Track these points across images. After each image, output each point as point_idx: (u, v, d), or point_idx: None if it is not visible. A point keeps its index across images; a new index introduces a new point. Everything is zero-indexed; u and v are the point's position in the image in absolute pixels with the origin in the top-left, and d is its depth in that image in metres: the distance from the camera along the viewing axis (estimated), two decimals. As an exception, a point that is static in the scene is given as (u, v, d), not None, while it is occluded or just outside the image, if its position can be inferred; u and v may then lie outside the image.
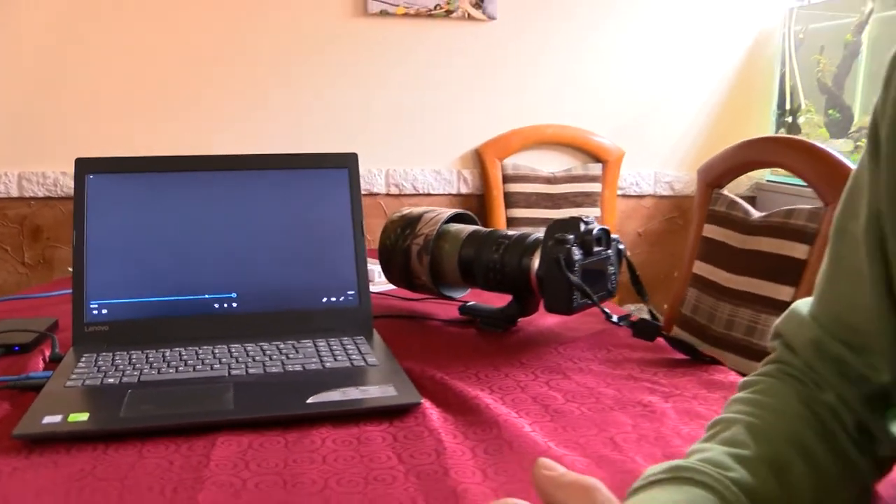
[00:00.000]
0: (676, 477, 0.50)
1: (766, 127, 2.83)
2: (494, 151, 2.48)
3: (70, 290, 1.37)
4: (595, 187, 2.57)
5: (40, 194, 2.21)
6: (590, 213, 2.55)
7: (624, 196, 2.67)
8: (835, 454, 0.57)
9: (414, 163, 2.44)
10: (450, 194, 2.49)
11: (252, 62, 2.27)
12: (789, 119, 2.79)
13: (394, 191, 2.43)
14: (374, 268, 1.43)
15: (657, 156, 2.70)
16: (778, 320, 0.67)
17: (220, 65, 2.25)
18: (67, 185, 2.20)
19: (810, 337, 0.62)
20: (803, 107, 2.74)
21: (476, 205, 2.53)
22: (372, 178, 2.39)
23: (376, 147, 2.40)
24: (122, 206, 1.08)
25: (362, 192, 2.30)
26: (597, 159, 2.59)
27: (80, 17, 2.17)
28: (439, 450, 0.73)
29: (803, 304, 0.66)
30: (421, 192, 2.45)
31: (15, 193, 2.20)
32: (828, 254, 0.63)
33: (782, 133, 2.81)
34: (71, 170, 2.20)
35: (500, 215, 2.45)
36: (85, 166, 1.09)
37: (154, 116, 2.24)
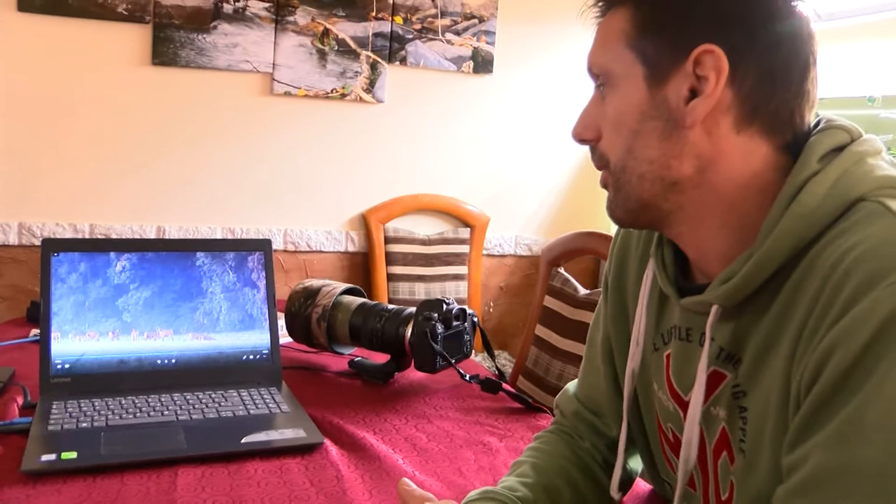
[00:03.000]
0: (484, 497, 0.80)
1: (607, 199, 3.24)
2: (378, 216, 2.75)
3: (15, 341, 1.56)
4: (464, 248, 2.89)
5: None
6: (459, 270, 2.86)
7: (489, 255, 3.00)
8: (590, 481, 0.90)
9: (308, 223, 2.68)
10: (339, 252, 2.74)
11: (175, 135, 2.46)
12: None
13: (290, 248, 2.66)
14: (280, 322, 1.66)
15: (518, 222, 3.05)
16: (557, 396, 1.00)
17: (148, 137, 2.43)
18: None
19: (573, 408, 0.96)
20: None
21: (361, 262, 2.78)
22: (272, 235, 2.62)
23: (276, 208, 2.62)
24: (81, 279, 1.29)
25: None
26: (466, 224, 2.91)
27: (31, 94, 2.31)
28: (339, 477, 1.00)
29: (571, 385, 1.00)
30: (314, 249, 2.69)
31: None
32: (584, 352, 0.97)
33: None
34: (4, 220, 2.33)
35: (381, 272, 2.72)
36: (50, 245, 1.29)
37: (74, 182, 2.38)
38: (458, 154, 2.87)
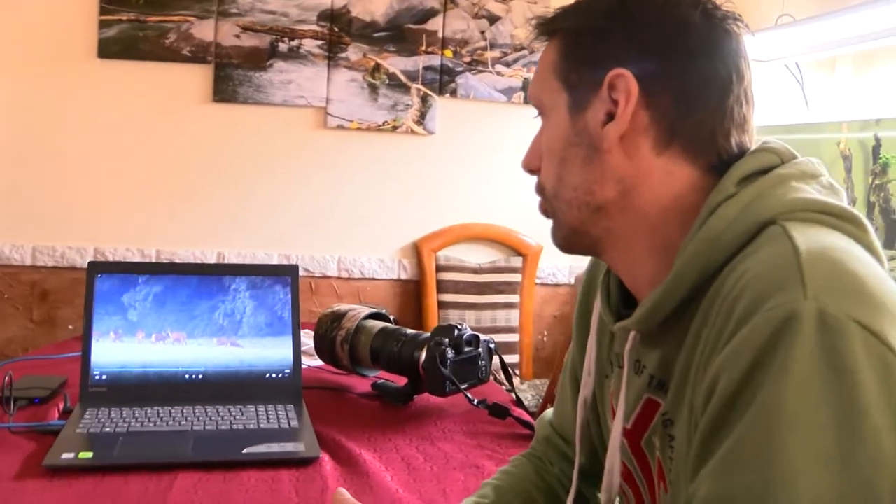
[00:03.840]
0: None
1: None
2: (430, 244, 2.83)
3: (73, 354, 1.71)
4: (516, 277, 2.93)
5: (50, 264, 2.54)
6: (510, 299, 2.90)
7: (542, 285, 3.03)
8: (555, 507, 0.92)
9: (362, 251, 2.79)
10: (391, 279, 2.83)
11: (236, 167, 2.65)
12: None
13: (344, 275, 2.77)
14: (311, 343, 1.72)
15: (573, 251, 3.06)
16: (536, 421, 1.03)
17: (210, 169, 2.63)
18: (72, 257, 2.53)
19: (545, 434, 0.98)
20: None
21: (413, 289, 2.87)
22: (326, 263, 2.74)
23: (331, 237, 2.75)
24: (122, 299, 1.41)
25: (318, 275, 2.68)
26: (518, 253, 2.96)
27: (87, 125, 2.54)
28: (324, 489, 1.06)
29: (549, 413, 1.02)
30: (367, 276, 2.80)
31: (28, 262, 2.55)
32: (560, 380, 1.00)
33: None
34: (76, 244, 2.55)
35: (432, 300, 2.80)
36: (95, 268, 1.42)
37: (143, 210, 2.60)
38: (510, 183, 2.92)
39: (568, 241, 0.75)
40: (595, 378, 0.84)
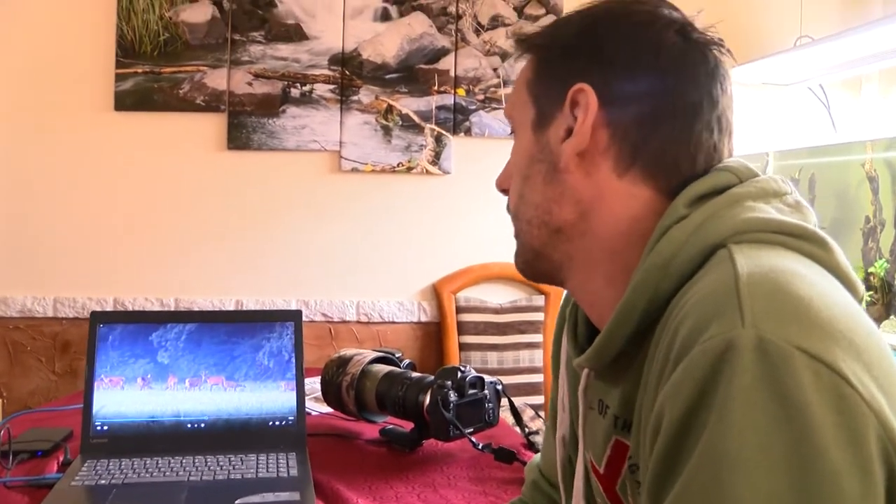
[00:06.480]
0: None
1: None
2: (449, 286, 2.82)
3: (77, 406, 1.72)
4: (538, 316, 2.90)
5: (70, 315, 2.61)
6: (533, 339, 2.87)
7: (567, 323, 2.99)
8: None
9: (381, 295, 2.80)
10: (411, 322, 2.83)
11: (252, 214, 2.69)
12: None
13: (363, 319, 2.77)
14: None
15: (599, 288, 3.02)
16: (526, 465, 1.01)
17: (227, 217, 2.68)
18: (92, 308, 2.58)
19: (532, 478, 0.97)
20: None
21: (434, 331, 2.85)
22: (345, 308, 2.75)
23: (349, 281, 2.76)
24: (123, 348, 1.43)
25: (337, 320, 2.67)
26: (540, 291, 2.93)
27: (103, 182, 2.61)
28: (315, 539, 1.05)
29: (538, 457, 1.00)
30: (386, 320, 2.79)
31: (50, 314, 2.61)
32: (547, 421, 0.98)
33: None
34: (96, 295, 2.60)
35: (453, 342, 2.78)
36: (97, 318, 1.45)
37: (161, 259, 2.66)
38: (530, 222, 2.90)
39: (531, 266, 0.72)
40: (572, 416, 0.81)
